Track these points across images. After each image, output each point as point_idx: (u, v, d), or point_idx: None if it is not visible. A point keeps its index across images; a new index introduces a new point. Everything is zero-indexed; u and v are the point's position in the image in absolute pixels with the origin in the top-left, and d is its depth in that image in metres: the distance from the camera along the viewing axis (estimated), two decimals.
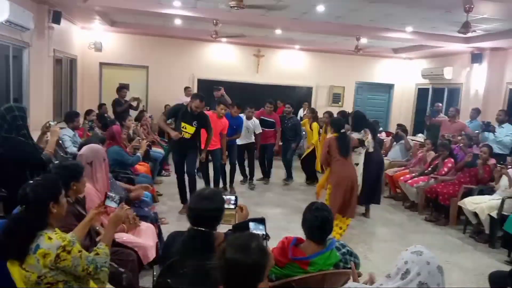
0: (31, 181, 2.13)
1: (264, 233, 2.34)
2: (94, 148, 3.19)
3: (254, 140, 7.22)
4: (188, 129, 5.27)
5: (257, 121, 7.16)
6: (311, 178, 7.79)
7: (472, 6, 5.37)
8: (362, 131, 5.65)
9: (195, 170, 5.67)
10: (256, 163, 7.44)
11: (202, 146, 5.64)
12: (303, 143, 8.61)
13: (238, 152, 7.00)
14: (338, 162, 4.99)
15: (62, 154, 5.24)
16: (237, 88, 10.62)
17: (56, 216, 2.13)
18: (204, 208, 2.18)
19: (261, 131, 7.18)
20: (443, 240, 5.32)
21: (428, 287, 1.71)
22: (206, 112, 5.77)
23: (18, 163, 3.46)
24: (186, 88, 10.08)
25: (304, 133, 8.09)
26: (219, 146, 6.30)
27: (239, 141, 6.95)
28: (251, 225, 2.34)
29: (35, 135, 4.01)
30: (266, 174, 7.71)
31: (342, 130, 5.18)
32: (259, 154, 7.51)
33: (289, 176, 7.75)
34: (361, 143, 5.58)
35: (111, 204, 2.53)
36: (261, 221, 2.37)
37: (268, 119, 7.38)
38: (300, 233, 2.50)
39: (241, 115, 6.86)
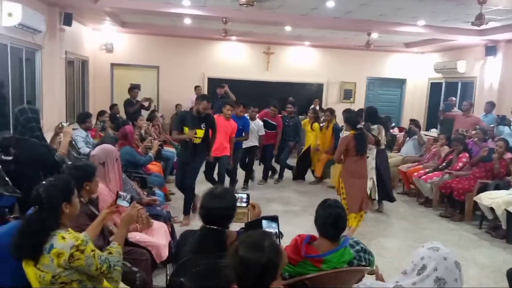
0: (44, 182, 2.15)
1: (277, 231, 2.33)
2: (107, 148, 3.20)
3: (257, 144, 6.93)
4: (199, 133, 5.11)
5: (261, 123, 6.95)
6: (302, 176, 7.75)
7: None
8: (376, 126, 5.61)
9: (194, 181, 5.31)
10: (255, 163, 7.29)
11: (215, 151, 5.53)
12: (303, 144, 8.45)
13: (241, 156, 6.75)
14: (352, 159, 4.96)
15: (75, 154, 5.30)
16: (247, 86, 10.63)
17: (69, 216, 2.15)
18: (216, 207, 2.18)
19: (263, 133, 6.95)
20: (459, 236, 5.24)
21: (445, 282, 1.67)
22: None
23: (32, 165, 3.50)
24: (197, 87, 10.10)
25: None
26: (227, 152, 5.92)
27: (243, 144, 6.64)
28: (264, 223, 2.33)
29: (48, 136, 4.06)
30: (266, 175, 7.53)
31: (358, 126, 5.15)
32: (261, 155, 7.31)
33: (280, 176, 7.62)
34: (377, 142, 5.54)
35: (123, 204, 2.54)
36: (273, 219, 2.36)
37: (272, 122, 7.23)
38: (312, 231, 2.48)
39: (245, 115, 6.63)
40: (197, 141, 5.09)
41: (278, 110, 7.43)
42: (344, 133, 5.66)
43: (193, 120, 5.07)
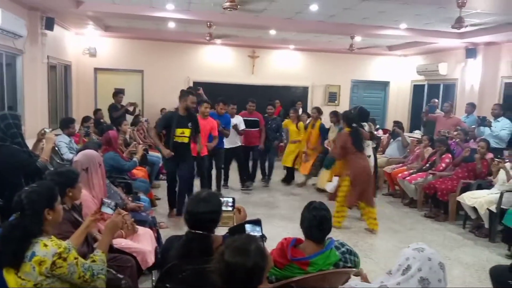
0: (26, 188, 2.12)
1: (261, 234, 2.33)
2: (89, 154, 3.16)
3: (240, 144, 6.92)
4: (186, 133, 5.19)
5: (240, 118, 6.89)
6: (288, 179, 7.78)
7: (465, 1, 5.37)
8: (367, 123, 5.78)
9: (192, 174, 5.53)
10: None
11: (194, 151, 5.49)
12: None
13: (225, 158, 6.68)
14: (354, 155, 5.22)
15: (58, 161, 5.22)
16: (233, 90, 10.61)
17: (52, 223, 2.11)
18: (201, 211, 2.17)
19: (244, 127, 6.86)
20: (443, 236, 5.32)
21: (429, 283, 1.70)
22: None
23: (13, 171, 3.43)
24: (197, 91, 10.06)
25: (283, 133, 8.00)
26: (206, 152, 5.87)
27: (226, 145, 6.57)
28: (248, 227, 2.32)
29: (30, 142, 3.98)
30: (251, 177, 7.41)
31: (354, 125, 5.32)
32: (243, 156, 7.10)
33: (268, 178, 7.60)
34: (372, 136, 5.75)
35: (107, 211, 2.52)
36: (257, 222, 2.36)
37: (250, 118, 7.08)
38: (298, 234, 2.48)
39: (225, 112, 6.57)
40: (186, 140, 5.20)
41: (255, 106, 7.23)
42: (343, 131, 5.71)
43: (180, 120, 5.12)
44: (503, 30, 7.30)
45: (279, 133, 7.60)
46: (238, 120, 6.80)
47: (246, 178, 7.20)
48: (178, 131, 5.20)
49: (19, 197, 2.05)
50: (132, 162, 4.96)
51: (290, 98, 11.12)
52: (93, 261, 2.17)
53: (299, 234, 2.48)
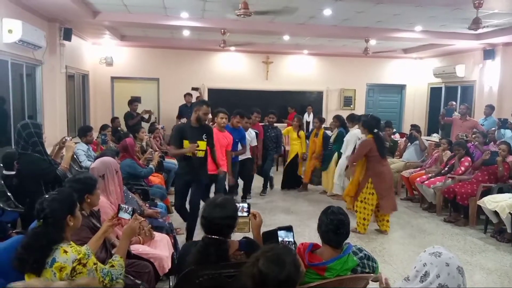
0: (47, 196, 2.16)
1: (292, 240, 2.35)
2: (106, 161, 3.21)
3: (250, 156, 6.45)
4: (201, 146, 4.54)
5: (254, 133, 6.48)
6: (291, 184, 7.66)
7: (482, 1, 5.28)
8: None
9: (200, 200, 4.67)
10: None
11: (211, 168, 4.89)
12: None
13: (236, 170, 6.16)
14: (378, 163, 5.19)
15: (77, 168, 5.31)
16: (247, 96, 10.67)
17: (72, 229, 2.16)
18: (217, 216, 2.17)
19: (256, 143, 6.49)
20: (464, 241, 5.20)
21: None
22: None
23: (34, 179, 3.52)
24: (197, 98, 10.14)
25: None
26: (225, 168, 5.28)
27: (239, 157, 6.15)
28: (281, 233, 2.34)
29: (49, 151, 4.07)
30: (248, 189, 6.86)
31: (375, 131, 5.25)
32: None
33: (264, 188, 7.36)
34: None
35: (125, 216, 2.54)
36: (289, 229, 2.38)
37: (254, 131, 6.59)
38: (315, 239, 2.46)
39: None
40: (200, 154, 4.54)
41: (260, 116, 6.94)
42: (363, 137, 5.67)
43: (193, 132, 4.51)
44: None
45: (278, 144, 7.23)
46: (251, 137, 6.38)
47: (247, 190, 6.81)
48: (186, 143, 4.51)
49: (41, 205, 2.08)
50: (148, 169, 5.00)
51: (305, 103, 11.11)
52: (112, 266, 2.20)
53: (316, 239, 2.47)
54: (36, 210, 2.10)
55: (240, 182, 6.65)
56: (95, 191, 2.70)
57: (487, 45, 8.59)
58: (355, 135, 6.40)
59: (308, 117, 10.56)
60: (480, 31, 6.83)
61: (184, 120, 9.05)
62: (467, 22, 5.86)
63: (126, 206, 2.59)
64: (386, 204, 5.25)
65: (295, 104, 11.14)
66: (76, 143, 5.16)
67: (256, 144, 6.55)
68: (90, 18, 7.10)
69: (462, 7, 6.00)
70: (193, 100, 9.57)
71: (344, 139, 6.67)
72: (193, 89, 9.50)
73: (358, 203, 5.35)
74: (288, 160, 7.70)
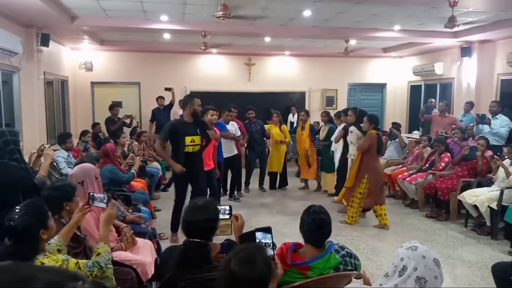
0: (16, 210, 2.03)
1: (271, 241, 2.31)
2: (85, 167, 3.16)
3: (237, 152, 6.76)
4: (197, 140, 4.66)
5: (236, 125, 6.78)
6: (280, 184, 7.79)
7: (457, 0, 5.40)
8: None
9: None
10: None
11: (208, 163, 5.12)
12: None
13: (223, 168, 6.49)
14: (373, 159, 5.46)
15: (57, 176, 5.21)
16: (230, 98, 10.58)
17: (47, 240, 2.10)
18: (198, 219, 2.16)
19: (239, 133, 6.77)
20: (445, 235, 5.30)
21: (425, 281, 1.69)
22: None
23: (10, 188, 3.42)
24: (181, 101, 10.09)
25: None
26: (213, 165, 5.52)
27: (224, 154, 6.39)
28: (259, 234, 2.31)
29: (27, 159, 3.99)
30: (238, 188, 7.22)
31: (378, 127, 5.59)
32: (224, 170, 6.70)
33: (261, 183, 7.67)
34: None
35: (100, 205, 2.54)
36: (267, 230, 2.34)
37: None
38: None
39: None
40: (197, 148, 4.68)
41: (236, 114, 6.94)
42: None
43: (187, 127, 4.61)
44: (496, 27, 7.32)
45: (264, 134, 7.48)
46: (234, 127, 6.69)
47: (237, 189, 7.11)
48: (188, 139, 4.63)
49: (10, 222, 1.96)
50: (130, 174, 4.95)
51: (288, 104, 11.15)
52: (98, 254, 2.22)
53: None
54: (5, 227, 1.97)
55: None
56: (74, 198, 2.65)
57: (464, 43, 8.77)
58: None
59: (293, 118, 10.62)
60: (456, 29, 6.96)
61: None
62: (444, 20, 5.97)
63: (100, 195, 2.56)
64: (372, 199, 5.50)
65: (278, 105, 11.13)
66: (55, 150, 5.08)
67: (239, 136, 6.76)
68: (68, 23, 6.99)
69: (438, 5, 6.11)
70: (166, 102, 9.51)
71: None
72: (166, 89, 9.39)
73: (354, 198, 5.55)
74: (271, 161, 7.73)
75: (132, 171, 5.02)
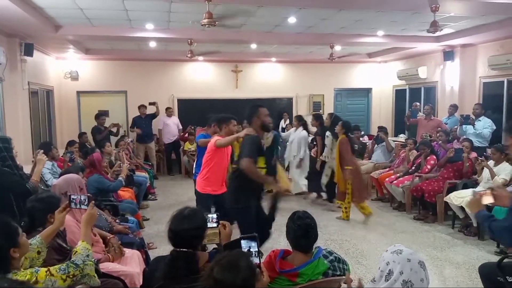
0: None
1: (257, 250, 2.29)
2: (68, 178, 3.13)
3: None
4: (262, 162, 3.70)
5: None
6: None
7: (438, 5, 5.51)
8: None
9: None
10: None
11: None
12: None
13: None
14: (351, 159, 5.98)
15: (43, 187, 5.13)
16: (218, 105, 10.65)
17: (20, 258, 2.02)
18: (185, 228, 2.14)
19: None
20: (433, 237, 5.35)
21: (412, 284, 1.70)
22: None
23: (2, 194, 3.46)
24: (168, 109, 10.12)
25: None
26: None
27: None
28: (243, 243, 2.29)
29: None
30: None
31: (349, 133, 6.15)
32: None
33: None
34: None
35: (82, 207, 2.50)
36: (252, 238, 2.31)
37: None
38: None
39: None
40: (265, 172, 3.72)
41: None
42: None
43: (261, 145, 3.67)
44: (477, 31, 7.48)
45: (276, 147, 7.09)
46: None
47: None
48: (261, 160, 3.67)
49: None
50: (117, 182, 4.89)
51: (276, 110, 11.19)
52: (75, 252, 2.19)
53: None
54: None
55: None
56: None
57: (446, 47, 8.92)
58: (305, 137, 7.11)
59: (284, 124, 10.67)
60: (438, 33, 7.09)
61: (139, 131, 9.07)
62: (426, 25, 6.08)
63: (81, 197, 2.52)
64: (360, 195, 5.98)
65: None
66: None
67: None
68: (52, 33, 6.93)
69: (421, 11, 6.21)
70: (148, 112, 9.56)
71: (294, 140, 7.13)
72: (150, 104, 9.48)
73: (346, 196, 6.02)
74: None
75: (120, 178, 4.96)
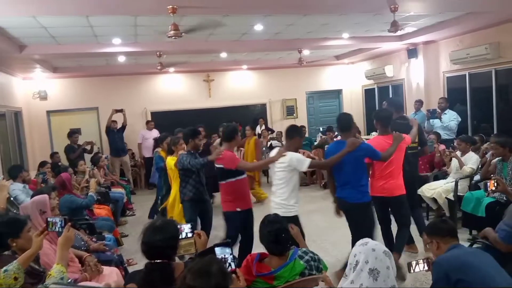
0: None
1: (231, 256, 2.32)
2: (35, 199, 3.09)
3: None
4: None
5: None
6: None
7: (397, 5, 5.70)
8: None
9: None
10: None
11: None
12: None
13: None
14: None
15: (15, 211, 5.01)
16: (192, 115, 10.63)
17: (17, 248, 2.05)
18: (158, 239, 2.15)
19: None
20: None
21: (378, 272, 1.76)
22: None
23: None
24: (148, 122, 10.06)
25: None
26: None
27: None
28: (217, 250, 2.30)
29: None
30: None
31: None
32: None
33: None
34: None
35: (59, 230, 2.48)
36: (226, 245, 2.34)
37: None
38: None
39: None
40: None
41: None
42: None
43: None
44: (437, 28, 7.74)
45: None
46: None
47: None
48: None
49: None
50: (89, 197, 4.80)
51: (251, 117, 11.26)
52: (49, 275, 2.19)
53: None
54: None
55: None
56: (22, 234, 2.51)
57: (409, 45, 9.21)
58: None
59: (260, 129, 10.72)
60: (401, 32, 7.32)
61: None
62: (388, 25, 6.26)
63: (57, 219, 2.50)
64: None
65: (241, 118, 11.23)
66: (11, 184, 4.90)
67: None
68: (16, 53, 6.80)
69: (381, 12, 6.38)
70: (119, 125, 9.44)
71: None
72: (117, 111, 9.28)
73: None
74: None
75: (90, 194, 4.86)
